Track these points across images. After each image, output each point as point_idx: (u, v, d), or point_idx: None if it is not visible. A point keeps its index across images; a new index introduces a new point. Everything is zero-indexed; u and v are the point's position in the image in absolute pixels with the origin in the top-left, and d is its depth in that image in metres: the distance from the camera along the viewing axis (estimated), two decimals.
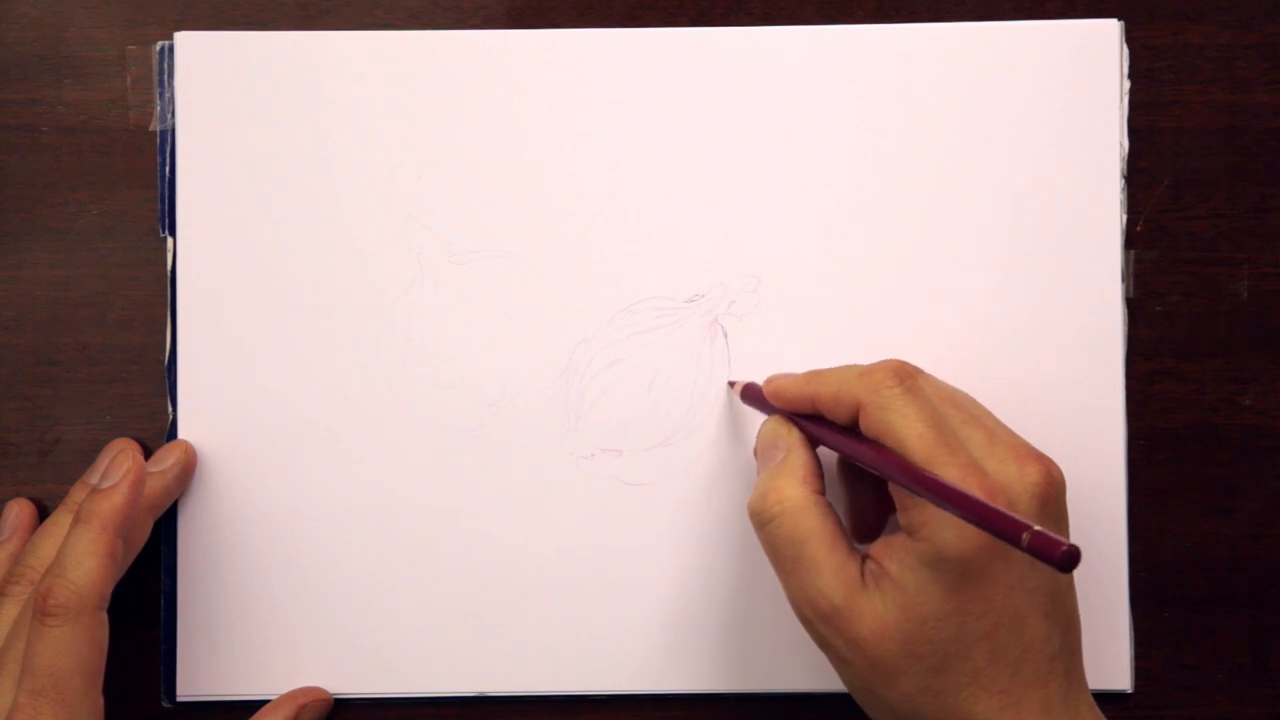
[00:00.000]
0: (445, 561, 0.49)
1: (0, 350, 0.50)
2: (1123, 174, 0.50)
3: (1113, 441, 0.50)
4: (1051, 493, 0.41)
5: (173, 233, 0.50)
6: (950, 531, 0.39)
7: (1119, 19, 0.50)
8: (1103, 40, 0.50)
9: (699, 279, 0.50)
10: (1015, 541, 0.35)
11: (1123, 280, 0.50)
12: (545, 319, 0.50)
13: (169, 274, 0.50)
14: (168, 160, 0.50)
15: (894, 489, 0.41)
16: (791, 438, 0.44)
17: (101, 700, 0.44)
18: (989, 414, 0.44)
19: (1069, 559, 0.34)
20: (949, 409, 0.42)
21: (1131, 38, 0.50)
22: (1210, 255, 0.51)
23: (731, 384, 0.49)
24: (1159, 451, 0.50)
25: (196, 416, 0.50)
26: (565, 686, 0.49)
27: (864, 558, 0.42)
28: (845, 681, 0.43)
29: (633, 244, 0.50)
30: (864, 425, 0.42)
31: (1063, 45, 0.50)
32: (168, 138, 0.50)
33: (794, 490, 0.43)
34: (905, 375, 0.42)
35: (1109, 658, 0.49)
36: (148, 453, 0.49)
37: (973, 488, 0.39)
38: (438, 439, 0.50)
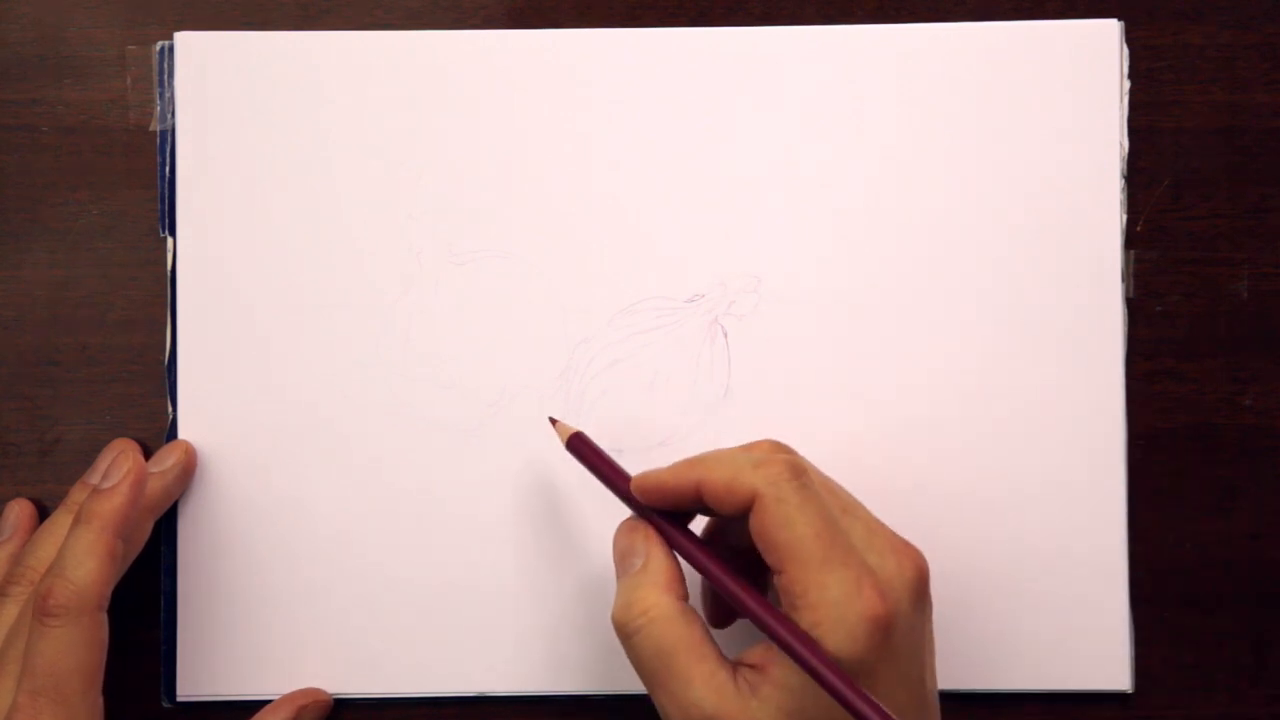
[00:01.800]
0: (445, 562, 0.49)
1: (0, 350, 0.50)
2: (1123, 174, 0.50)
3: (1113, 441, 0.50)
4: (923, 584, 0.42)
5: (173, 233, 0.50)
6: (840, 634, 0.39)
7: (1119, 19, 0.50)
8: (1103, 40, 0.50)
9: (699, 279, 0.50)
10: None
11: (1123, 280, 0.50)
12: (545, 319, 0.50)
13: (169, 274, 0.50)
14: (168, 160, 0.50)
15: (783, 590, 0.40)
16: (650, 542, 0.43)
17: (101, 700, 0.44)
18: (858, 502, 0.43)
19: None
20: (831, 499, 0.42)
21: (1131, 38, 0.50)
22: (1210, 255, 0.51)
23: (552, 421, 0.47)
24: (1159, 451, 0.50)
25: (196, 416, 0.50)
26: (565, 686, 0.49)
27: (735, 665, 0.41)
28: None
29: (633, 244, 0.50)
30: (758, 517, 0.41)
31: (1063, 45, 0.50)
32: (168, 138, 0.50)
33: (658, 599, 0.42)
34: (799, 470, 0.41)
35: (1109, 658, 0.49)
36: (148, 453, 0.49)
37: (866, 591, 0.39)
38: (438, 439, 0.50)
